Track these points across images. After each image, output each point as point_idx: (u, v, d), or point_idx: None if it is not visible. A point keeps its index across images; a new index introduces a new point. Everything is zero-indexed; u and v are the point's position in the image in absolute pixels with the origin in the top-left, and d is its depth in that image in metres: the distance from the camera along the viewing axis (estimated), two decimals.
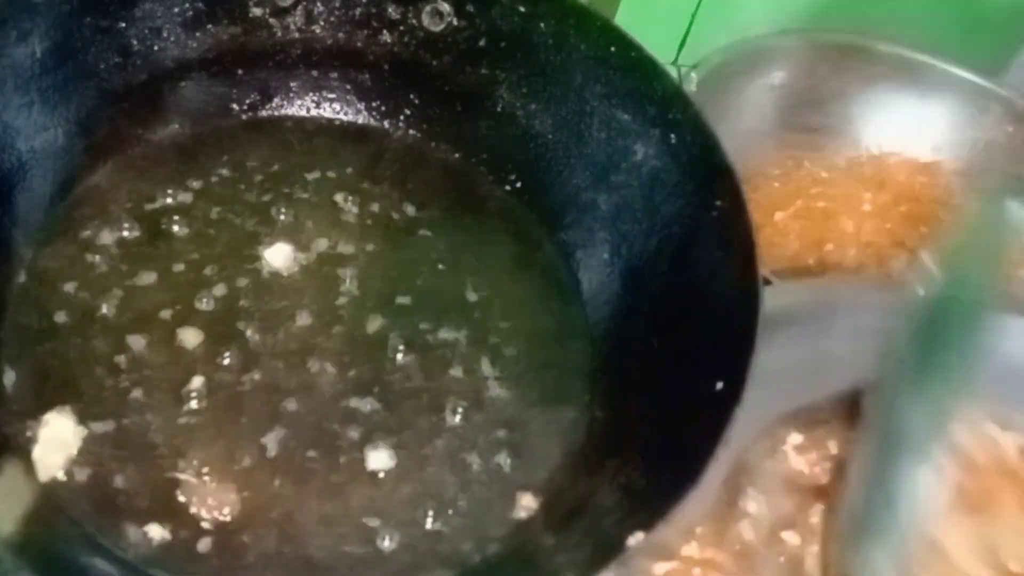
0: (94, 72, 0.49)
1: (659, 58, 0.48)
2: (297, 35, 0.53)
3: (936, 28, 0.67)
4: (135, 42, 0.50)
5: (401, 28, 0.53)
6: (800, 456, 0.47)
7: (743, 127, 0.61)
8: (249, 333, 0.47)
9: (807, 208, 0.64)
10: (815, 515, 0.45)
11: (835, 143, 0.68)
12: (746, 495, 0.45)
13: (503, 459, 0.45)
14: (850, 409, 0.47)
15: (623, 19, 0.61)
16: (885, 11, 0.67)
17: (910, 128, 0.68)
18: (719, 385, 0.40)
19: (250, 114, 0.54)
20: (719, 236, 0.45)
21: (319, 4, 0.53)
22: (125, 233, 0.49)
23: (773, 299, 0.41)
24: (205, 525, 0.41)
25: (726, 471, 0.44)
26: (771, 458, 0.47)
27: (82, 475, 0.41)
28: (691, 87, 0.55)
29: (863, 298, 0.49)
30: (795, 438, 0.48)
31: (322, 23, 0.53)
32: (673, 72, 0.65)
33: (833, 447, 0.47)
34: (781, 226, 0.63)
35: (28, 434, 0.42)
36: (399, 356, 0.47)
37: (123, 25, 0.49)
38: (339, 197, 0.52)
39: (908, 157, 0.68)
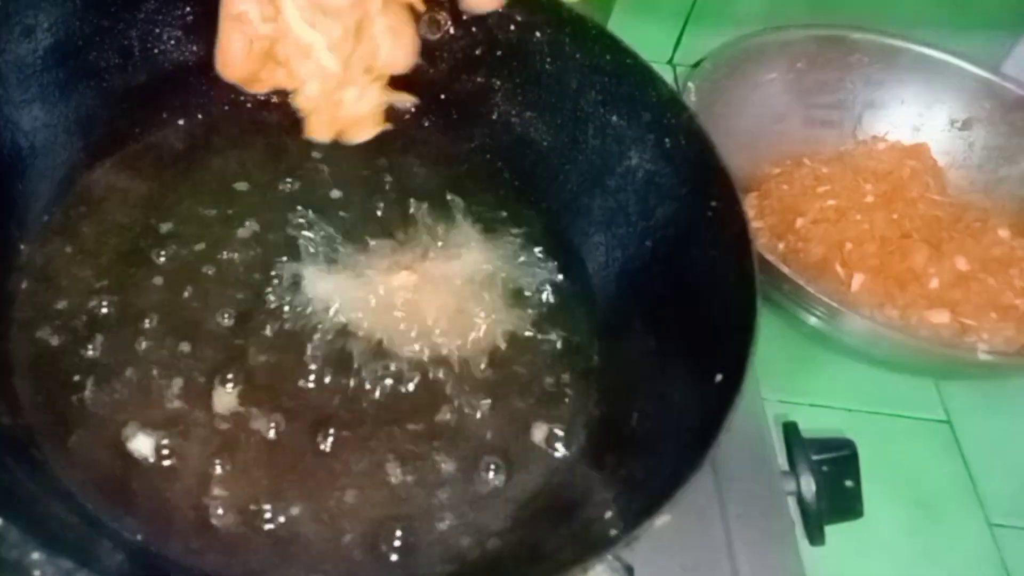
0: (94, 72, 0.49)
1: (655, 57, 0.49)
2: None
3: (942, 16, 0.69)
4: (136, 44, 0.50)
5: None
6: None
7: (740, 125, 0.62)
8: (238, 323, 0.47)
9: (822, 210, 0.64)
10: None
11: (831, 136, 0.69)
12: None
13: (501, 456, 0.45)
14: None
15: (619, 20, 0.61)
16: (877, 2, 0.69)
17: (895, 113, 0.70)
18: (719, 377, 0.40)
19: (248, 118, 0.54)
20: (714, 235, 0.45)
21: None
22: (122, 232, 0.48)
23: None
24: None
25: None
26: None
27: None
28: (688, 86, 0.56)
29: None
30: None
31: None
32: (669, 71, 0.66)
33: None
34: (803, 232, 0.64)
35: None
36: (394, 364, 0.47)
37: (124, 26, 0.50)
38: (335, 201, 0.53)
39: (892, 140, 0.70)
